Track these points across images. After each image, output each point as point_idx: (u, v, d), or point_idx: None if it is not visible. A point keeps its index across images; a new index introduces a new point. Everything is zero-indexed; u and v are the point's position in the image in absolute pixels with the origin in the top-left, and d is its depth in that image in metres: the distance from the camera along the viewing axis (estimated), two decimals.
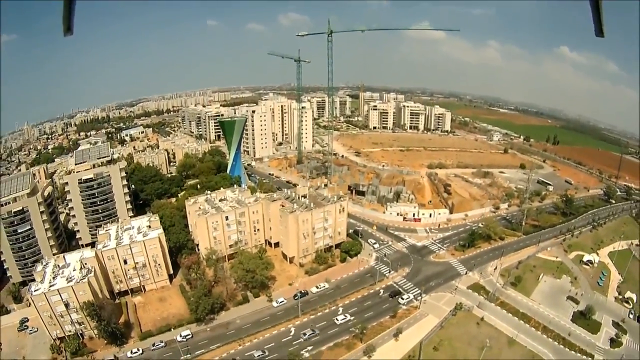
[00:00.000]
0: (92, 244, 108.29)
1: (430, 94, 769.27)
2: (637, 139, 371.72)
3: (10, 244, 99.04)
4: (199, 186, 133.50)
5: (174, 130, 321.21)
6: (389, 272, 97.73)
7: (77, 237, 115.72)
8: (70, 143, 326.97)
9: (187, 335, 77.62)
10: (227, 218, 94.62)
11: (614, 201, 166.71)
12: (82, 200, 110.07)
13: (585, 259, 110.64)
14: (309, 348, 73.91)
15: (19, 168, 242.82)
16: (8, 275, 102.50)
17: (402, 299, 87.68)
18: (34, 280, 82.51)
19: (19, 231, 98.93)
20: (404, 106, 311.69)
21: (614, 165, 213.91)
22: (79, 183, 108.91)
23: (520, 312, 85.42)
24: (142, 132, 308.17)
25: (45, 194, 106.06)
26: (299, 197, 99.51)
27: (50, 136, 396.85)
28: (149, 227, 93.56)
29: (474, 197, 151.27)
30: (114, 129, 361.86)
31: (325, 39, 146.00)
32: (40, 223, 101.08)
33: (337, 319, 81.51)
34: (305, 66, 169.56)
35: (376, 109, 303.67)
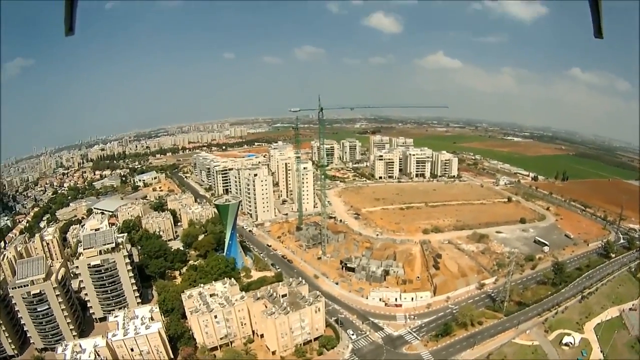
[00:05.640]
0: (104, 318, 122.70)
1: (446, 123, 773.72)
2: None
3: (32, 319, 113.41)
4: (197, 264, 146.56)
5: (186, 177, 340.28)
6: None
7: (90, 311, 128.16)
8: (86, 183, 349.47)
9: None
10: (215, 317, 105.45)
11: (613, 255, 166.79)
12: (93, 282, 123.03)
13: (564, 340, 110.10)
14: None
15: (35, 215, 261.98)
16: (31, 341, 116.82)
17: None
18: (54, 348, 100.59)
19: (38, 309, 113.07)
20: (410, 154, 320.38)
21: (624, 200, 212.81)
22: (89, 267, 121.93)
23: None
24: (155, 178, 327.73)
25: (59, 277, 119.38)
26: (279, 297, 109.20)
27: (66, 170, 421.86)
28: (152, 318, 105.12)
29: (462, 271, 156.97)
30: (128, 170, 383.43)
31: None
32: (57, 304, 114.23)
33: None
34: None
35: (382, 159, 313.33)
